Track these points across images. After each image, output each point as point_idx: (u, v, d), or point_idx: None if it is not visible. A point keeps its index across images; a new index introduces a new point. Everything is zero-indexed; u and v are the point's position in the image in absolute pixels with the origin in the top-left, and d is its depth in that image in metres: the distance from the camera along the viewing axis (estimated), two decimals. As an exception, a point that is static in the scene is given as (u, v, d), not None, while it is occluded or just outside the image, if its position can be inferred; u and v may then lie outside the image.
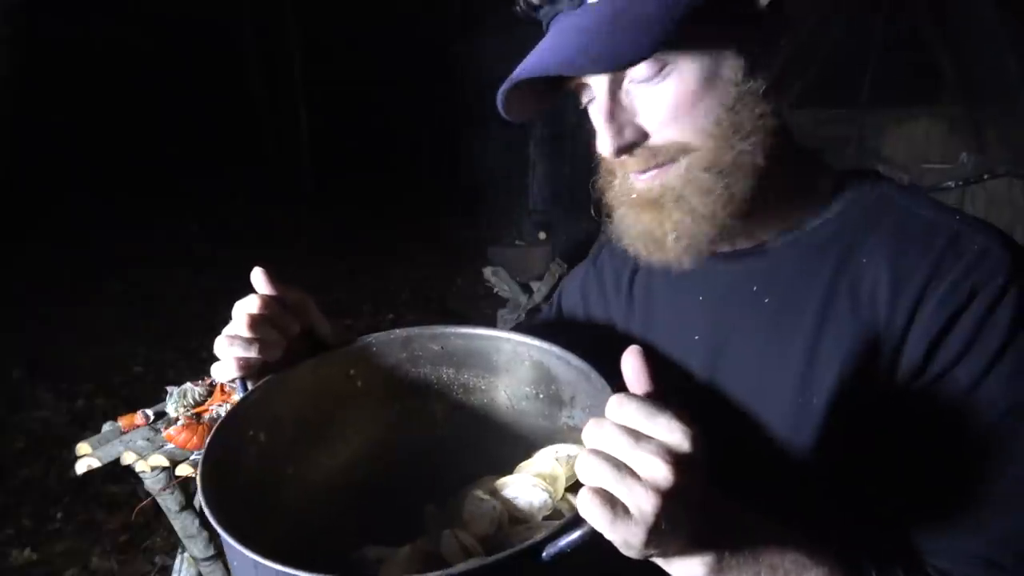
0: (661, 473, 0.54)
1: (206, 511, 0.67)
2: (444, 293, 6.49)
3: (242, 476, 0.80)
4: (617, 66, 0.68)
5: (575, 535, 0.57)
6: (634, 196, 0.79)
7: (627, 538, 0.54)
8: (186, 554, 2.06)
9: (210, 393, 1.83)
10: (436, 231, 8.50)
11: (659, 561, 0.62)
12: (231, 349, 0.89)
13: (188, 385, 1.83)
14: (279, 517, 0.82)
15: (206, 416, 1.72)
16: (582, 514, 0.55)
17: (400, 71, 10.78)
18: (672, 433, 0.55)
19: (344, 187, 9.64)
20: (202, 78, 9.85)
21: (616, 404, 0.56)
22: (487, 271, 4.61)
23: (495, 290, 4.71)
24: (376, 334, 1.00)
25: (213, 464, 0.74)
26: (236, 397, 1.80)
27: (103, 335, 5.07)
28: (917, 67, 5.52)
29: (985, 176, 5.24)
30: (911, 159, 5.58)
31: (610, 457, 0.55)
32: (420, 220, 8.91)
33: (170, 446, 1.64)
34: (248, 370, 0.87)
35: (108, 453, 1.67)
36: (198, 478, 0.72)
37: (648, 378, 0.58)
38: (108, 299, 5.85)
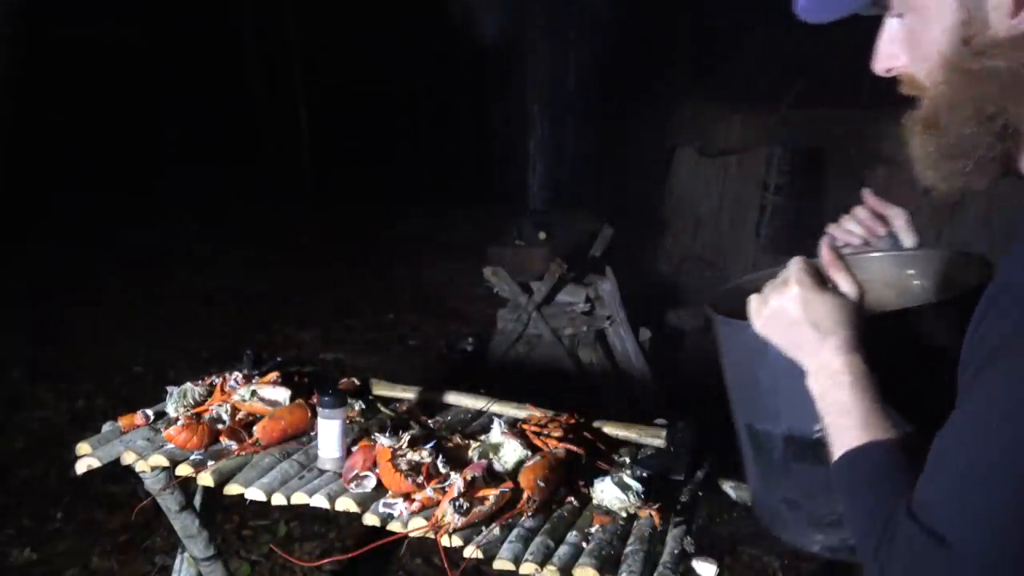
0: (776, 301, 0.88)
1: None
2: (444, 293, 6.49)
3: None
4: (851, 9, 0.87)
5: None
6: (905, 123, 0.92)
7: (755, 317, 0.92)
8: (186, 554, 2.06)
9: (210, 393, 1.83)
10: (436, 231, 8.51)
11: (775, 340, 0.92)
12: (851, 229, 1.15)
13: (188, 385, 1.83)
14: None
15: (206, 416, 1.72)
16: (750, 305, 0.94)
17: (400, 71, 10.78)
18: (797, 284, 0.87)
19: (344, 187, 9.63)
20: (202, 78, 9.85)
21: (793, 264, 0.90)
22: (487, 271, 4.61)
23: (495, 290, 4.71)
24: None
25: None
26: (236, 397, 1.80)
27: (103, 335, 5.07)
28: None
29: (985, 176, 5.24)
30: (911, 159, 5.59)
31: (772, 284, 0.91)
32: (420, 220, 8.91)
33: (170, 446, 1.64)
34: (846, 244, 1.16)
35: (108, 453, 1.66)
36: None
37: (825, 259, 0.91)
38: (108, 299, 5.85)
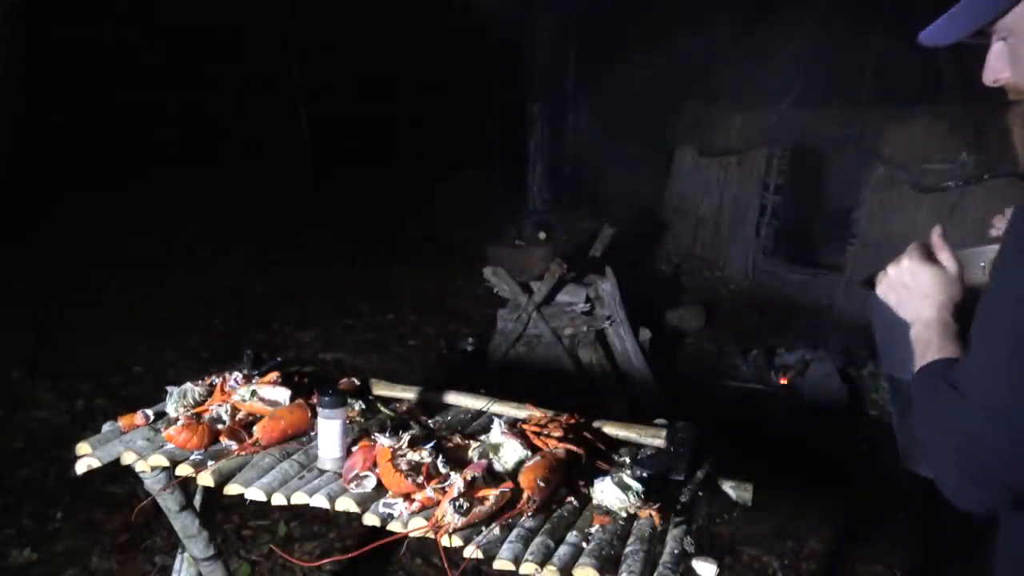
0: (893, 271, 1.15)
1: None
2: (444, 293, 6.49)
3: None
4: (967, 29, 1.03)
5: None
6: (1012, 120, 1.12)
7: (879, 286, 1.18)
8: (186, 554, 2.06)
9: (210, 393, 1.83)
10: (436, 231, 8.51)
11: (891, 303, 1.16)
12: None
13: (188, 385, 1.83)
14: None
15: (206, 416, 1.72)
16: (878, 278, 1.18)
17: (400, 71, 10.79)
18: (911, 260, 1.13)
19: (344, 187, 9.63)
20: (202, 78, 9.84)
21: (912, 248, 1.14)
22: (487, 271, 4.61)
23: (495, 290, 4.71)
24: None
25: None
26: (236, 397, 1.80)
27: (103, 335, 5.07)
28: (917, 67, 5.53)
29: (985, 176, 5.25)
30: (911, 159, 5.58)
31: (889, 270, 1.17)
32: (420, 220, 8.91)
33: (170, 446, 1.64)
34: None
35: (108, 453, 1.66)
36: None
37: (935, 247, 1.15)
38: (108, 299, 5.85)
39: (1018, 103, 1.05)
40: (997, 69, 1.03)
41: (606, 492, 1.43)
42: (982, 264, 1.28)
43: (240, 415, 1.73)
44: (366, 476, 1.49)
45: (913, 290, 1.13)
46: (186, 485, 1.85)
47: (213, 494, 1.93)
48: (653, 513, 1.38)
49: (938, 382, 0.98)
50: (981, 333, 0.97)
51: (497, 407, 1.91)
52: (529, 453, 1.52)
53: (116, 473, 2.05)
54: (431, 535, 1.32)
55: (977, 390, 0.93)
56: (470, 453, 1.56)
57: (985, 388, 0.92)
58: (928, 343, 1.08)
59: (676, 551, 1.32)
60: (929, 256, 1.14)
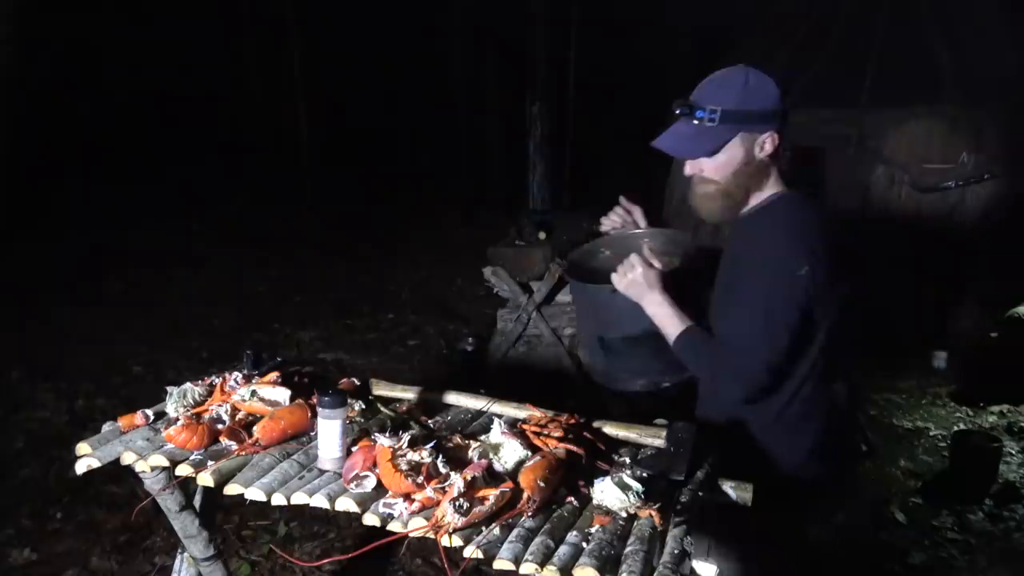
0: (630, 272, 1.78)
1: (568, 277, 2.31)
2: (444, 293, 6.49)
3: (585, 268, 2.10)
4: (688, 156, 1.72)
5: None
6: (694, 191, 1.77)
7: (619, 287, 1.79)
8: (186, 554, 2.06)
9: (210, 393, 1.83)
10: (436, 231, 8.51)
11: (637, 300, 1.79)
12: (610, 219, 2.08)
13: (188, 385, 1.83)
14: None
15: (206, 416, 1.72)
16: (612, 278, 1.82)
17: (399, 71, 10.78)
18: (636, 264, 1.78)
19: (344, 187, 9.63)
20: (202, 78, 9.84)
21: (631, 256, 1.79)
22: (487, 271, 4.61)
23: (495, 290, 4.71)
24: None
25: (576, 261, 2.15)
26: (236, 397, 1.80)
27: (103, 335, 5.08)
28: (917, 67, 5.52)
29: (985, 176, 5.24)
30: (911, 159, 5.56)
31: (623, 266, 1.80)
32: (420, 220, 8.91)
33: (170, 446, 1.63)
34: (610, 228, 2.10)
35: (108, 453, 1.66)
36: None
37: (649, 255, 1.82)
38: (108, 299, 5.85)
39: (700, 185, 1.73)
40: (697, 166, 1.71)
41: (606, 492, 1.43)
42: (645, 240, 1.97)
43: (240, 415, 1.73)
44: (366, 476, 1.49)
45: (644, 286, 1.75)
46: (186, 485, 1.85)
47: (213, 494, 1.93)
48: (653, 513, 1.38)
49: (704, 340, 1.72)
50: (739, 308, 1.65)
51: (497, 407, 1.91)
52: (529, 453, 1.52)
53: (116, 473, 2.05)
54: (431, 535, 1.32)
55: (743, 340, 1.62)
56: (470, 453, 1.56)
57: (748, 338, 1.61)
58: (668, 316, 1.74)
59: (676, 551, 1.32)
60: (647, 262, 1.77)
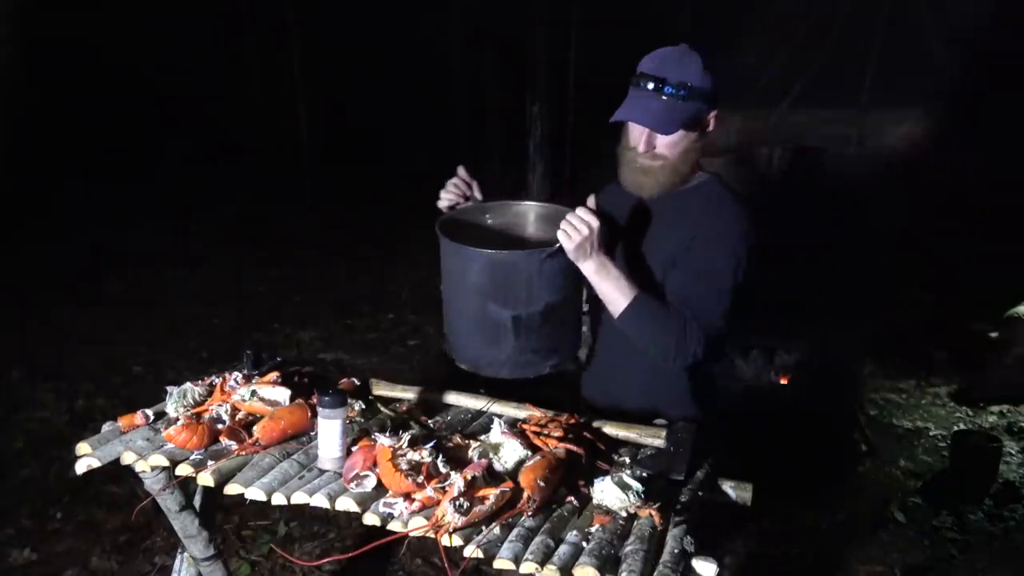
0: (584, 228, 1.60)
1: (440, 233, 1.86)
2: (444, 293, 6.47)
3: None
4: (663, 131, 1.72)
5: (556, 248, 1.62)
6: (637, 166, 1.79)
7: (568, 247, 1.61)
8: (186, 554, 2.06)
9: (210, 393, 1.83)
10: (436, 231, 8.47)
11: (580, 264, 1.66)
12: (450, 193, 1.96)
13: (188, 385, 1.83)
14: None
15: (206, 416, 1.72)
16: (559, 238, 1.61)
17: (399, 71, 10.78)
18: (591, 220, 1.61)
19: (344, 187, 9.62)
20: (202, 78, 9.84)
21: (578, 210, 1.62)
22: (487, 271, 4.60)
23: (495, 290, 4.70)
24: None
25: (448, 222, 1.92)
26: (236, 397, 1.80)
27: (103, 335, 5.07)
28: (917, 67, 5.53)
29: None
30: (910, 159, 5.58)
31: (570, 223, 1.61)
32: (420, 220, 8.89)
33: (170, 446, 1.63)
34: (451, 204, 1.97)
35: (108, 453, 1.66)
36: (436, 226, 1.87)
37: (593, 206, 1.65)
38: (108, 299, 5.85)
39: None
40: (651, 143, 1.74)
41: (606, 492, 1.43)
42: (533, 209, 1.92)
43: (240, 415, 1.73)
44: (366, 476, 1.49)
45: (593, 244, 1.62)
46: (186, 485, 1.85)
47: (213, 494, 1.93)
48: (653, 513, 1.38)
49: (661, 304, 1.73)
50: (709, 276, 1.72)
51: (497, 407, 1.91)
52: (529, 453, 1.52)
53: (116, 473, 2.05)
54: (431, 535, 1.33)
55: (709, 302, 1.72)
56: (470, 453, 1.56)
57: (716, 302, 1.73)
58: (616, 280, 1.68)
59: (676, 551, 1.32)
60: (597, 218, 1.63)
